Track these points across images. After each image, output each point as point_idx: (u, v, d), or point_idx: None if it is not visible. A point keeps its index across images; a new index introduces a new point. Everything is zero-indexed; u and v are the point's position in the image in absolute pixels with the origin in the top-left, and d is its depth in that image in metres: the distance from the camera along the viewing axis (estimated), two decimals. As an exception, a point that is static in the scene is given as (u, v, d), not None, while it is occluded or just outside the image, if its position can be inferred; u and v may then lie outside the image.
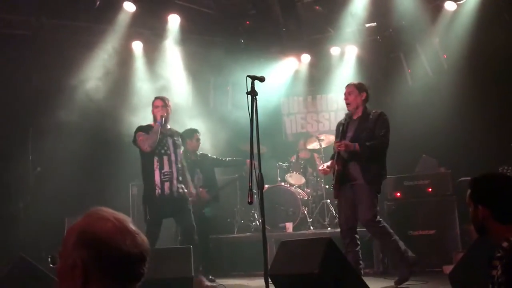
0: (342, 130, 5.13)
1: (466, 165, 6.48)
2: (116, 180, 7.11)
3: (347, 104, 5.12)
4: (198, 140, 6.50)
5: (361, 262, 4.93)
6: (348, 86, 5.15)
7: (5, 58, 6.53)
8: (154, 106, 5.44)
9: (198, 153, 6.61)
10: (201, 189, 6.38)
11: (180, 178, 5.46)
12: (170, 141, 5.46)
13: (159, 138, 5.32)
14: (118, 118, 6.92)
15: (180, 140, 5.63)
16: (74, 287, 1.36)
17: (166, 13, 7.48)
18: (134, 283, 1.42)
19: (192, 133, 6.49)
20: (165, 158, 5.37)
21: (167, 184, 5.31)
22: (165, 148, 5.40)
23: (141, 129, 5.44)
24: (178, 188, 5.39)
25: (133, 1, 6.87)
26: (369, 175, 4.86)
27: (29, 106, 6.72)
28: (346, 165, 4.97)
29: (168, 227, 6.67)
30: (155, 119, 5.42)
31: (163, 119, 5.33)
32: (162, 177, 5.30)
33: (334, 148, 5.13)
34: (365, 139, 4.87)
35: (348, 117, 5.17)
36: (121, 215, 1.45)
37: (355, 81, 5.28)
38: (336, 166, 5.00)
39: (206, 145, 7.28)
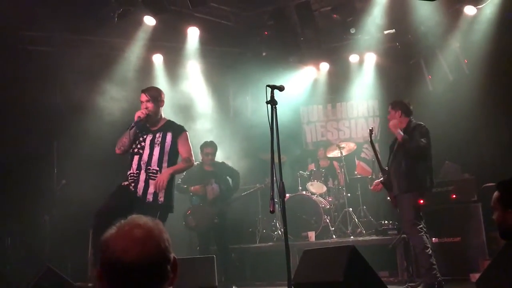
0: (390, 146, 5.44)
1: (490, 170, 6.38)
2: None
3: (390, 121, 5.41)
4: (207, 154, 6.49)
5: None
6: (390, 104, 5.51)
7: (29, 73, 6.70)
8: (140, 101, 4.71)
9: (215, 163, 6.59)
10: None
11: (150, 182, 4.48)
12: (148, 138, 4.62)
13: (136, 134, 4.62)
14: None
15: (170, 135, 4.66)
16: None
17: (186, 26, 7.60)
18: None
19: (202, 147, 6.54)
20: (136, 158, 4.58)
21: (132, 185, 4.51)
22: (139, 146, 4.61)
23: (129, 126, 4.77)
24: (144, 192, 4.48)
25: (153, 15, 6.99)
26: (405, 182, 5.07)
27: (53, 120, 6.86)
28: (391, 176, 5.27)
29: (183, 237, 6.71)
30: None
31: (141, 119, 4.53)
32: (129, 178, 4.54)
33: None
34: (404, 149, 5.11)
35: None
36: (149, 224, 1.48)
37: (397, 99, 5.57)
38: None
39: (226, 155, 7.32)
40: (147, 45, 7.51)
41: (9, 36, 6.64)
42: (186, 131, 4.77)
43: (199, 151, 6.51)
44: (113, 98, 7.15)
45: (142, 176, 4.51)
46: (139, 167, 4.53)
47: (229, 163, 6.94)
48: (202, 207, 6.28)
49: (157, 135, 4.63)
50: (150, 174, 4.50)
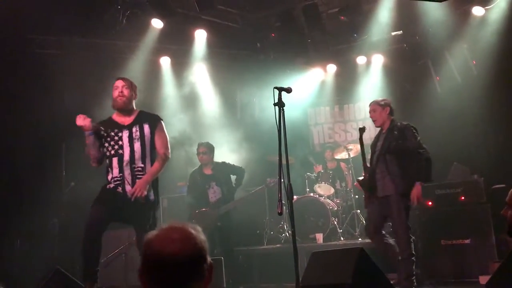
0: (373, 145, 5.26)
1: (499, 172, 6.33)
2: (147, 193, 7.20)
3: (374, 121, 5.25)
4: (199, 153, 6.44)
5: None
6: (371, 104, 5.29)
7: (38, 76, 6.75)
8: (114, 87, 4.42)
9: (215, 163, 6.53)
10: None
11: (137, 180, 4.27)
12: (125, 135, 4.33)
13: (108, 135, 4.34)
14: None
15: (147, 127, 4.39)
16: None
17: (193, 29, 7.63)
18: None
19: (196, 148, 6.49)
20: (115, 160, 4.29)
21: (119, 188, 4.28)
22: (116, 147, 4.31)
23: None
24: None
25: (160, 18, 7.02)
26: (400, 187, 4.87)
27: (62, 123, 6.89)
28: (374, 176, 5.04)
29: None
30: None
31: (93, 127, 4.24)
32: (113, 183, 4.29)
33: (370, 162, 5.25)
34: (394, 149, 4.92)
35: (378, 132, 5.33)
36: (187, 226, 1.58)
37: (378, 98, 5.38)
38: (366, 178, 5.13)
39: (233, 156, 7.33)
40: (154, 48, 7.55)
41: (18, 39, 6.70)
42: (161, 119, 4.53)
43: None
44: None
45: (128, 177, 4.26)
46: (121, 169, 4.26)
47: (236, 164, 6.94)
48: (204, 211, 6.28)
49: (134, 129, 4.35)
50: (137, 173, 4.27)
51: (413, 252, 4.80)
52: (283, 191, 3.70)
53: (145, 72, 7.48)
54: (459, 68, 7.56)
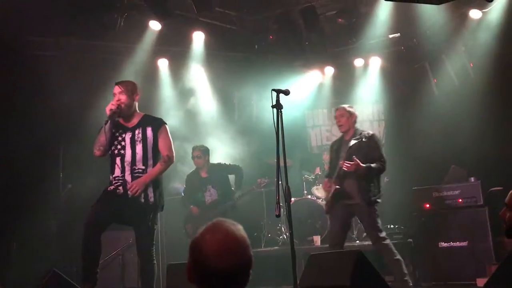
0: (336, 150, 5.35)
1: (496, 175, 6.34)
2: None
3: (339, 126, 5.32)
4: (193, 157, 6.49)
5: None
6: (338, 109, 5.38)
7: (36, 78, 6.73)
8: (113, 94, 4.45)
9: (211, 165, 6.55)
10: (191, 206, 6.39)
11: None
12: (127, 136, 4.38)
13: (113, 134, 4.38)
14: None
15: (150, 130, 4.44)
16: None
17: (191, 31, 7.62)
18: None
19: (191, 152, 6.52)
20: (118, 159, 4.35)
21: (120, 188, 4.32)
22: (119, 146, 4.37)
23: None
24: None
25: (158, 19, 7.01)
26: (368, 195, 4.98)
27: (59, 125, 6.89)
28: (343, 183, 5.12)
29: (181, 241, 6.65)
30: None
31: (113, 111, 4.29)
32: (114, 183, 4.34)
33: (331, 167, 5.39)
34: (363, 157, 4.99)
35: (340, 138, 5.43)
36: (239, 232, 1.65)
37: (345, 105, 5.47)
38: (333, 184, 5.19)
39: (230, 159, 7.32)
40: (152, 50, 7.54)
41: (16, 41, 6.68)
42: (165, 123, 4.54)
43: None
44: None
45: (128, 177, 4.30)
46: (123, 169, 4.31)
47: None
48: (200, 214, 6.28)
49: (137, 131, 4.39)
50: (136, 174, 4.31)
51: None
52: (281, 193, 3.70)
53: (142, 73, 7.46)
54: (457, 70, 7.57)
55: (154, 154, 4.41)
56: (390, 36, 7.87)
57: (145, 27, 7.18)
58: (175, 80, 8.08)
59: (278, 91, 3.90)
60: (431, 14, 7.01)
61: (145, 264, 4.36)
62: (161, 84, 7.96)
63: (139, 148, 4.35)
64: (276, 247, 7.18)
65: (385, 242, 4.96)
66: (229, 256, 1.57)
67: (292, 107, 7.04)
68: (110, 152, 4.38)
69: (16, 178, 6.54)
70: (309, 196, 7.45)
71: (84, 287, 4.10)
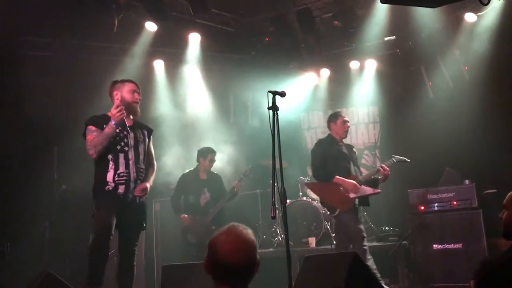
0: (345, 153, 5.63)
1: (491, 177, 6.37)
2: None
3: (347, 132, 5.81)
4: (211, 161, 6.43)
5: None
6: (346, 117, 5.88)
7: (30, 78, 6.70)
8: (120, 89, 4.40)
9: (211, 172, 6.51)
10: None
11: (140, 182, 4.38)
12: (130, 135, 4.36)
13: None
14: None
15: (146, 134, 4.55)
16: None
17: (187, 32, 7.62)
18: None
19: (207, 153, 6.43)
20: (121, 156, 4.28)
21: (121, 187, 4.27)
22: (122, 143, 4.31)
23: (93, 121, 4.34)
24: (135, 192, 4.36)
25: (154, 21, 7.00)
26: None
27: (53, 125, 6.86)
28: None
29: (177, 242, 6.63)
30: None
31: (122, 120, 4.25)
32: (116, 178, 4.26)
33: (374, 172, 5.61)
34: None
35: (336, 141, 5.76)
36: (249, 235, 2.02)
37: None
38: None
39: (226, 161, 7.31)
40: (148, 51, 7.53)
41: (11, 41, 6.65)
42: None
43: (199, 156, 6.47)
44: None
45: (133, 175, 4.31)
46: (127, 166, 4.28)
47: (230, 168, 6.90)
48: (196, 221, 6.22)
49: (138, 132, 4.45)
50: (140, 174, 4.37)
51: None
52: (276, 195, 3.69)
53: (138, 74, 7.44)
54: (452, 73, 7.61)
55: (146, 157, 4.50)
56: (386, 38, 7.90)
57: (141, 28, 7.18)
58: (171, 82, 8.06)
59: (274, 93, 3.89)
60: (426, 17, 7.04)
61: (130, 264, 4.44)
62: (156, 85, 7.94)
63: (141, 148, 4.43)
64: (271, 249, 7.18)
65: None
66: (238, 254, 1.93)
67: (288, 109, 7.05)
68: (111, 148, 4.26)
69: (10, 178, 6.51)
70: (304, 198, 7.45)
71: None
